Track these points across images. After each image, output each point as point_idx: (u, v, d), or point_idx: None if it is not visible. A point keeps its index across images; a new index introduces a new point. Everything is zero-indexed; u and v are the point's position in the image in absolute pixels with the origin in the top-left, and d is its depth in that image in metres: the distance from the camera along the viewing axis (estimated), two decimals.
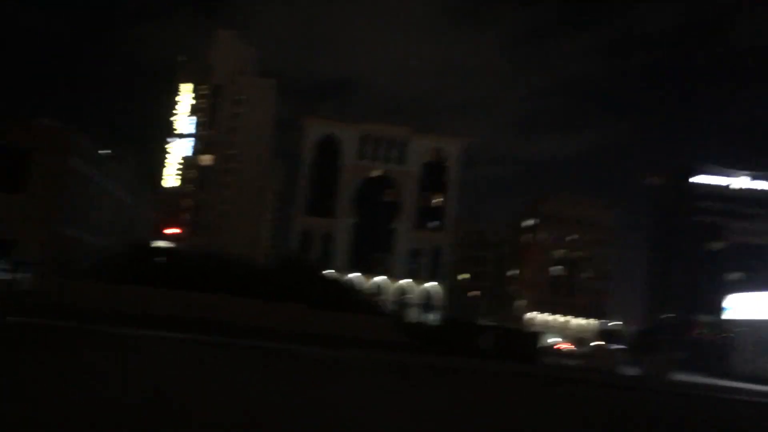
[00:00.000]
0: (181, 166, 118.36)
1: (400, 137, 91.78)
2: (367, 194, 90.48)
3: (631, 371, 42.22)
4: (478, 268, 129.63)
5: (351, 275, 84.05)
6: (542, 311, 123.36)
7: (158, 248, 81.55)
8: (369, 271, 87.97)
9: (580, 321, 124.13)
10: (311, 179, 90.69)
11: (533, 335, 56.58)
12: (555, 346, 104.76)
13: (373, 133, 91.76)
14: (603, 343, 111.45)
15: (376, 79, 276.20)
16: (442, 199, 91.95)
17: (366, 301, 47.54)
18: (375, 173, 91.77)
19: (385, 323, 41.98)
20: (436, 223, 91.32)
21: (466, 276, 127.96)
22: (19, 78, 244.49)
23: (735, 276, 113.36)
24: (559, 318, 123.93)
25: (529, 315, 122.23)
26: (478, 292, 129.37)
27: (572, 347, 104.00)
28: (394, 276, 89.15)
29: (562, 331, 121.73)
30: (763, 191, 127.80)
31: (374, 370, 23.08)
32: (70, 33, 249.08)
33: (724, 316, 71.06)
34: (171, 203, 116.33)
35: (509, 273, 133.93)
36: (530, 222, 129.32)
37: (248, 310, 37.60)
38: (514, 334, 51.59)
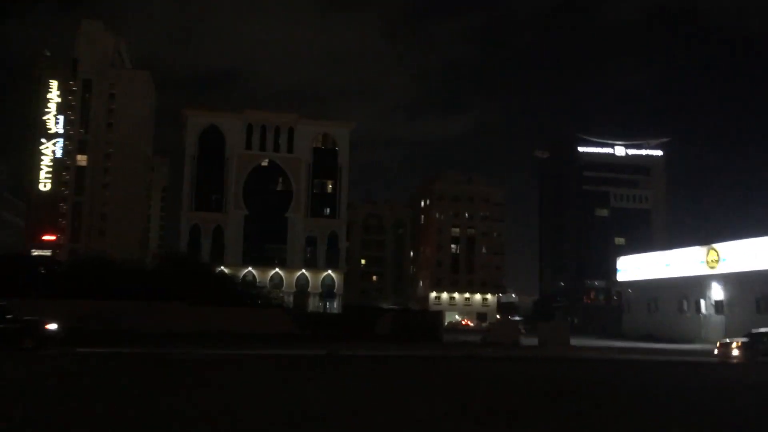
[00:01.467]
0: (51, 169, 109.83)
1: (286, 124, 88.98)
2: (257, 184, 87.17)
3: (529, 341, 42.12)
4: (377, 252, 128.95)
5: (245, 270, 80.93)
6: (443, 290, 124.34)
7: (32, 257, 75.45)
8: (264, 264, 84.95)
9: (481, 297, 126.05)
10: (197, 173, 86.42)
11: (434, 314, 56.09)
12: (463, 323, 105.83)
13: (258, 121, 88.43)
14: (501, 317, 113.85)
15: (258, 68, 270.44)
16: (333, 185, 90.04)
17: (256, 295, 45.32)
18: (263, 162, 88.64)
19: (278, 315, 40.05)
20: (329, 210, 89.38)
21: (365, 261, 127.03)
22: None
23: (621, 240, 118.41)
24: (461, 295, 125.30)
25: (432, 294, 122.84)
26: (375, 277, 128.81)
27: (470, 323, 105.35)
28: (291, 266, 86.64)
29: (464, 308, 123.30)
30: (640, 158, 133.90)
31: (236, 365, 21.02)
32: None
33: (618, 278, 73.28)
34: (46, 208, 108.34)
35: (409, 254, 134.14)
36: (425, 202, 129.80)
37: (125, 313, 34.75)
38: (413, 315, 50.87)
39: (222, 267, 72.34)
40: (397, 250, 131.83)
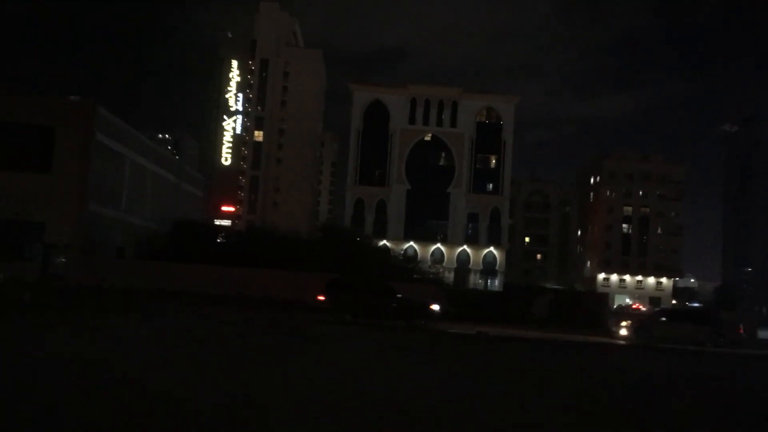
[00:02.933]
0: (231, 145, 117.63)
1: (450, 98, 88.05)
2: (420, 159, 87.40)
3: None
4: (541, 231, 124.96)
5: (407, 244, 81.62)
6: (613, 271, 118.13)
7: (210, 226, 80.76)
8: (426, 239, 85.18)
9: (655, 280, 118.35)
10: (361, 147, 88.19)
11: (597, 296, 52.88)
12: (633, 306, 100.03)
13: (422, 95, 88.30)
14: (677, 302, 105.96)
15: (426, 45, 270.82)
16: (496, 160, 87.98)
17: (412, 269, 45.08)
18: (426, 137, 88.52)
19: (432, 291, 39.39)
20: (491, 186, 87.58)
21: (528, 239, 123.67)
22: (65, 61, 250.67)
23: None
24: (632, 278, 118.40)
25: (600, 276, 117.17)
26: (539, 256, 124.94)
27: (641, 308, 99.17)
28: (452, 242, 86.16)
29: (636, 291, 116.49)
30: None
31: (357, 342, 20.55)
32: (117, 16, 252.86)
33: None
34: (227, 182, 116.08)
35: (575, 234, 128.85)
36: (594, 179, 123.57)
37: (280, 283, 35.82)
38: (574, 297, 47.97)
39: (384, 241, 73.39)
40: (562, 229, 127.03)
